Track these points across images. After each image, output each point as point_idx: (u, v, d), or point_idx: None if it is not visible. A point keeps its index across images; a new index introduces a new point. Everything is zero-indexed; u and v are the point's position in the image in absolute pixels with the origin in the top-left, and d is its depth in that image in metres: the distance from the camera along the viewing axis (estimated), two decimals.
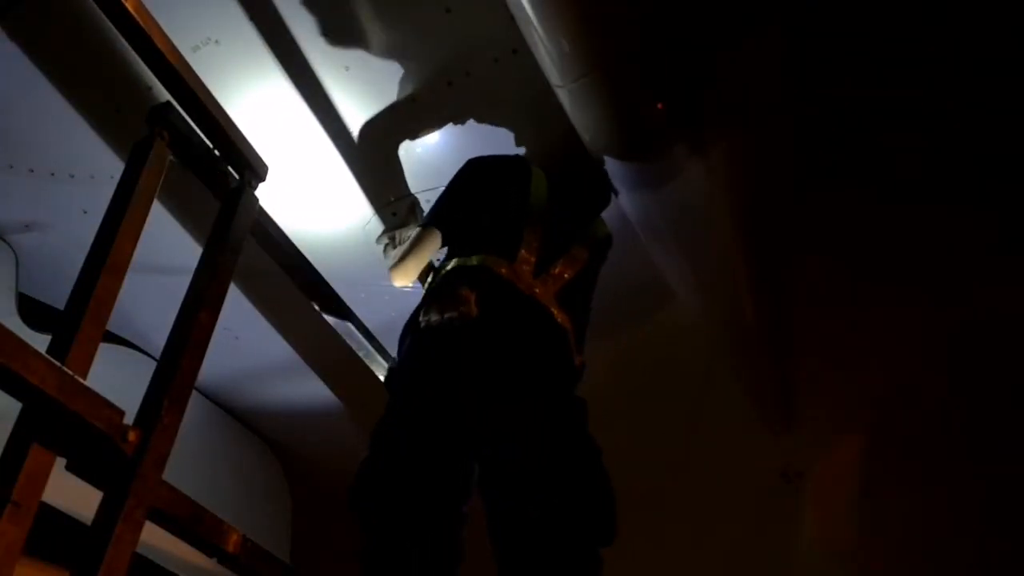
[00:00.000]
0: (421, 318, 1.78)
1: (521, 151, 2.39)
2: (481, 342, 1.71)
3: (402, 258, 2.10)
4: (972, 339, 2.39)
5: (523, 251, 1.94)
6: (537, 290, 1.87)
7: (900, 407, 2.60)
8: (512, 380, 1.70)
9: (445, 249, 2.12)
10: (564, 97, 1.95)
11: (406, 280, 2.13)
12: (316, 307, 1.79)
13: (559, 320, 1.87)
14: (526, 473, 1.61)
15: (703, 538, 2.98)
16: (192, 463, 2.71)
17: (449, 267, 1.92)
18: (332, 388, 3.37)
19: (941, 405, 2.53)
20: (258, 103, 2.27)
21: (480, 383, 1.68)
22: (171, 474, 1.08)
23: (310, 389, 3.39)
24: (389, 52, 2.18)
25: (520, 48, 2.10)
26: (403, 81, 2.25)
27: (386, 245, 2.39)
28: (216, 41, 2.11)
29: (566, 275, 1.98)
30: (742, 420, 2.81)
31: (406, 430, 1.65)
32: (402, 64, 2.21)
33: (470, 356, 1.70)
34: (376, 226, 2.65)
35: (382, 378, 2.04)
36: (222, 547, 1.17)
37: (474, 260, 1.89)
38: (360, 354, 1.94)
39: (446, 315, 1.71)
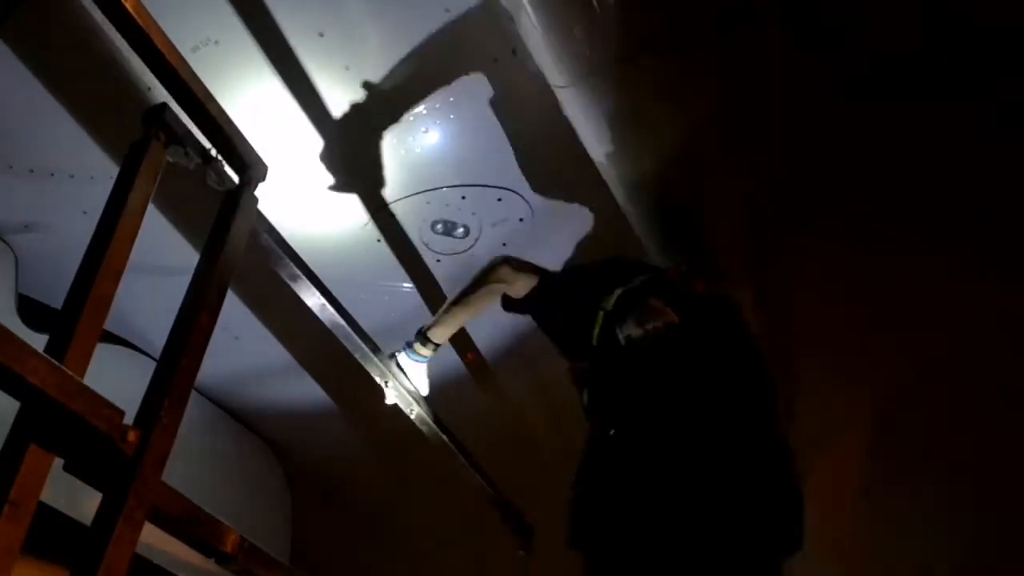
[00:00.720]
0: (620, 335, 1.74)
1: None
2: (692, 347, 1.70)
3: (468, 292, 2.12)
4: (972, 339, 2.39)
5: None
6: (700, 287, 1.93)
7: (900, 407, 2.60)
8: (728, 375, 1.70)
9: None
10: (564, 98, 1.95)
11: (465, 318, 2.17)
12: (313, 309, 1.78)
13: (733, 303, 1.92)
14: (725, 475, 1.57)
15: None
16: (192, 463, 2.71)
17: (616, 296, 1.87)
18: (327, 390, 3.37)
19: (941, 405, 2.53)
20: (258, 103, 2.27)
21: (702, 386, 1.66)
22: (171, 474, 1.08)
23: (310, 389, 3.40)
24: (389, 52, 2.18)
25: (520, 48, 2.10)
26: (403, 81, 2.25)
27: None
28: (216, 41, 2.11)
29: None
30: None
31: (633, 455, 1.60)
32: (402, 64, 2.21)
33: (686, 363, 1.68)
34: (376, 226, 2.65)
35: (378, 379, 2.03)
36: (220, 548, 1.17)
37: (635, 281, 1.88)
38: (356, 356, 1.93)
39: (648, 327, 1.69)
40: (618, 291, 1.85)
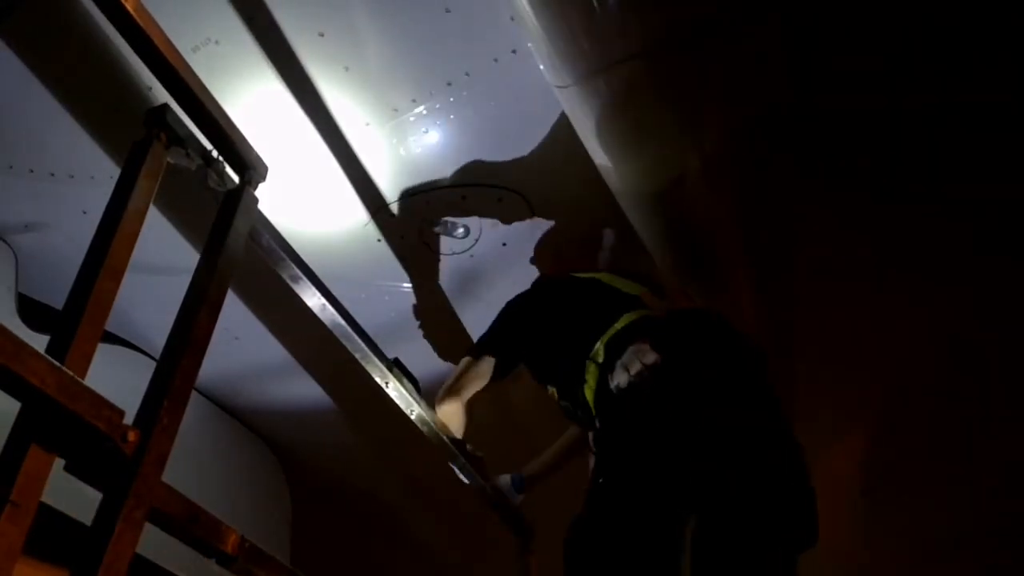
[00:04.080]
0: (611, 384, 1.78)
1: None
2: (679, 383, 1.70)
3: (451, 390, 2.21)
4: (972, 339, 2.39)
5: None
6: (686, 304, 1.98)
7: (900, 407, 2.60)
8: (729, 388, 1.71)
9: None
10: (564, 98, 1.95)
11: (452, 416, 2.22)
12: (314, 309, 1.78)
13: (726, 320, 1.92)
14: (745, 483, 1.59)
15: None
16: (192, 463, 2.71)
17: (603, 345, 1.91)
18: (328, 391, 3.37)
19: (941, 405, 2.53)
20: (258, 103, 2.27)
21: (708, 404, 1.66)
22: (171, 474, 1.08)
23: (310, 389, 3.40)
24: (389, 52, 2.18)
25: (520, 48, 2.10)
26: (402, 81, 2.25)
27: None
28: (216, 41, 2.11)
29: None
30: None
31: (633, 496, 1.62)
32: (402, 64, 2.21)
33: (683, 393, 1.68)
34: (376, 226, 2.65)
35: (378, 380, 2.03)
36: (220, 548, 1.17)
37: (618, 323, 1.92)
38: (357, 356, 1.93)
39: (634, 373, 1.72)
40: (603, 340, 1.90)
